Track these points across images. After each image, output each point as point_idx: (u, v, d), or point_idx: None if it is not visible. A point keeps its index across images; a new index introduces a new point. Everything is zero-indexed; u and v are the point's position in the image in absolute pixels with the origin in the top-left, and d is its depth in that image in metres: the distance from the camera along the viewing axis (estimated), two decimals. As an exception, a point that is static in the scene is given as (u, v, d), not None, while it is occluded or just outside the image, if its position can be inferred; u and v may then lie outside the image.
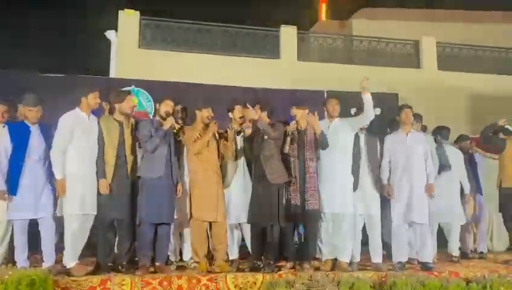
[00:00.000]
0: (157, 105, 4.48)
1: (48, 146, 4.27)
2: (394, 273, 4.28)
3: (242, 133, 4.69)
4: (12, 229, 4.34)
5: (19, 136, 4.29)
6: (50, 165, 4.24)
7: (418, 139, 4.90)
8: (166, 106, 4.40)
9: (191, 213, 4.47)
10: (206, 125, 4.57)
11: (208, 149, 4.53)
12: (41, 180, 4.30)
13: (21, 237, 4.27)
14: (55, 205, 4.25)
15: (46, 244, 4.26)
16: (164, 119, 4.33)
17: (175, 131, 4.43)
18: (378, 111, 6.52)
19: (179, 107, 4.73)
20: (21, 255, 4.25)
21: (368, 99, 4.62)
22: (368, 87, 4.64)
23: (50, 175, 4.31)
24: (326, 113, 4.92)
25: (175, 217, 4.57)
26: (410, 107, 4.96)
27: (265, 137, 4.50)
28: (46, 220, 4.27)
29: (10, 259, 4.35)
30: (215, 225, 4.45)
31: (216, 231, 4.47)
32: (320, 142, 4.56)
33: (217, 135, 4.64)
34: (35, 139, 4.33)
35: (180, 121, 4.62)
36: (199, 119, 4.60)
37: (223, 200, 4.52)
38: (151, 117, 5.55)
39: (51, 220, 4.28)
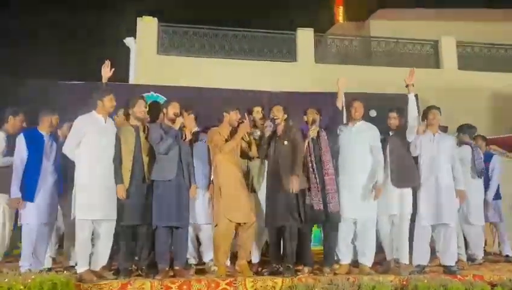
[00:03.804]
0: (164, 109, 4.51)
1: (59, 154, 4.43)
2: (416, 276, 4.20)
3: (258, 133, 4.65)
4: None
5: (34, 144, 4.39)
6: (60, 174, 4.47)
7: (446, 141, 4.80)
8: (174, 108, 4.43)
9: (218, 215, 4.44)
10: (234, 128, 4.57)
11: (235, 151, 4.54)
12: (52, 187, 4.44)
13: (28, 243, 4.33)
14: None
15: (41, 248, 4.41)
16: (174, 121, 4.37)
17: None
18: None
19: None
20: (26, 261, 4.30)
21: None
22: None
23: (59, 183, 4.48)
24: (348, 115, 4.86)
25: (196, 221, 4.62)
26: (438, 108, 4.87)
27: (285, 142, 4.49)
28: (48, 225, 4.43)
29: None
30: (244, 226, 4.43)
31: (244, 232, 4.44)
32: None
33: (247, 136, 4.62)
34: (48, 147, 4.45)
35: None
36: (226, 121, 4.60)
37: (251, 201, 4.51)
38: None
39: (51, 225, 4.47)
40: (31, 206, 4.33)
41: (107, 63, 4.55)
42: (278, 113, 4.58)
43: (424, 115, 4.93)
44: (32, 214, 4.32)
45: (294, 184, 4.32)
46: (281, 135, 4.55)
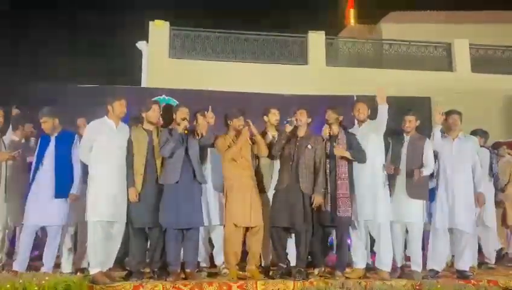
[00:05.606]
0: (174, 115, 4.54)
1: (61, 156, 4.41)
2: (429, 281, 4.17)
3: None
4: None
5: (43, 147, 4.46)
6: (58, 176, 4.37)
7: (466, 146, 4.72)
8: (182, 113, 4.47)
9: (226, 219, 4.47)
10: (238, 133, 4.60)
11: (242, 155, 4.56)
12: (49, 189, 4.36)
13: (24, 243, 4.34)
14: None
15: (48, 251, 4.38)
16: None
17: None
18: None
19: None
20: (22, 261, 4.30)
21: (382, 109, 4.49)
22: (383, 96, 4.49)
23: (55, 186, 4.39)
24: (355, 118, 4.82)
25: (209, 222, 4.63)
26: (459, 113, 4.79)
27: (309, 146, 4.49)
28: (52, 229, 4.38)
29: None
30: (251, 231, 4.45)
31: (252, 236, 4.46)
32: (357, 160, 4.51)
33: (249, 141, 4.64)
34: (49, 150, 4.45)
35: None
36: (231, 127, 4.64)
37: (259, 205, 4.49)
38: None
39: (56, 229, 4.38)
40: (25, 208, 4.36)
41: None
42: (302, 117, 4.57)
43: (444, 118, 4.87)
44: (24, 216, 4.35)
45: (318, 201, 4.39)
46: (304, 138, 4.54)
